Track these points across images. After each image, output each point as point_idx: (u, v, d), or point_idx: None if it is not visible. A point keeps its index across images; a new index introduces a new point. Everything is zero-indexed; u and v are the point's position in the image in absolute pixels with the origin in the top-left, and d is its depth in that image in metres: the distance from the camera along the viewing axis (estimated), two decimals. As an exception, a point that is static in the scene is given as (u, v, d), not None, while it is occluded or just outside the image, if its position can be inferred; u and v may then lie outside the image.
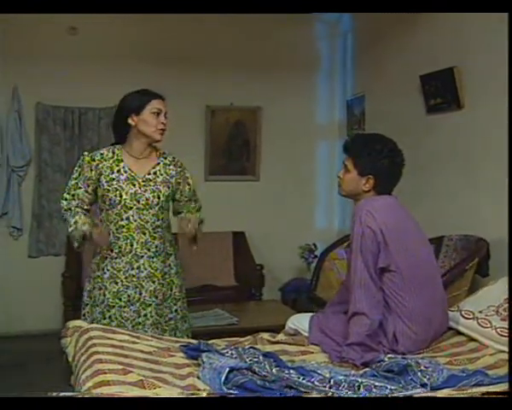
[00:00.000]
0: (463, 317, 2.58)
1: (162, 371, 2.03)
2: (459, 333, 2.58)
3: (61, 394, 1.56)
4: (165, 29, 5.05)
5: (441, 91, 4.02)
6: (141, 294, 2.78)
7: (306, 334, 2.62)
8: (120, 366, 1.94)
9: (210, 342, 2.50)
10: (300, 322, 2.71)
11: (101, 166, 2.75)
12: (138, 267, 2.78)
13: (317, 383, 1.95)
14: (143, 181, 2.78)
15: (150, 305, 2.79)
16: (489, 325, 2.47)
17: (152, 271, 2.80)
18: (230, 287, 5.05)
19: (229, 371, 1.99)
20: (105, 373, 1.88)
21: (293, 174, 5.47)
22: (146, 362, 2.09)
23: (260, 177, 5.50)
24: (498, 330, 2.42)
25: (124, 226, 2.75)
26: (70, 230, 2.77)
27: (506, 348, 2.35)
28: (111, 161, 2.77)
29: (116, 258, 2.77)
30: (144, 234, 2.78)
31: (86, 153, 2.84)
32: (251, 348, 2.36)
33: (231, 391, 1.90)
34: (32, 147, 4.89)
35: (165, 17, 4.62)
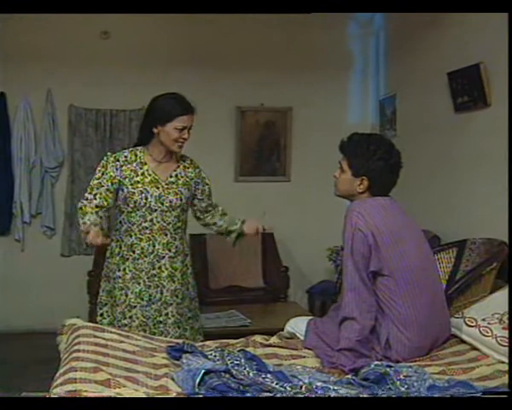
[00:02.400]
0: (466, 324, 2.46)
1: (138, 370, 2.04)
2: (463, 341, 2.46)
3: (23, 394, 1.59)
4: (194, 30, 5.10)
5: (468, 89, 3.87)
6: (162, 293, 2.82)
7: (303, 338, 2.57)
8: (94, 365, 1.97)
9: (200, 343, 2.49)
10: (298, 325, 2.68)
11: (125, 168, 2.79)
12: (160, 267, 2.82)
13: (288, 388, 1.91)
14: (166, 184, 2.82)
15: (171, 304, 2.84)
16: (490, 334, 2.34)
17: (172, 270, 2.85)
18: (258, 288, 5.03)
19: (206, 374, 1.98)
20: (75, 371, 1.90)
21: (324, 175, 5.35)
22: (125, 361, 2.10)
23: (291, 177, 5.45)
24: (499, 339, 2.30)
25: (147, 228, 2.80)
26: (81, 229, 2.77)
27: (506, 359, 2.23)
28: (134, 164, 2.81)
29: (138, 259, 2.81)
30: (166, 235, 2.82)
31: (110, 153, 2.89)
32: (241, 350, 2.33)
33: (203, 393, 1.89)
34: (64, 148, 5.04)
35: (194, 18, 4.66)
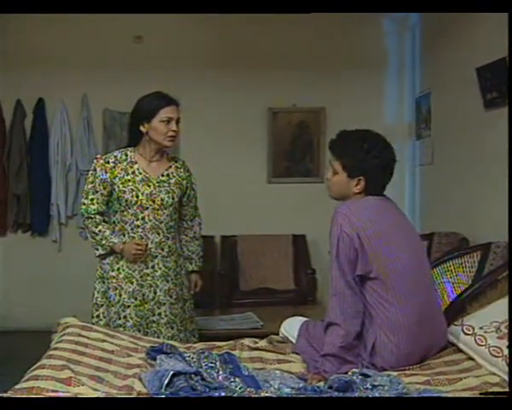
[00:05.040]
0: (463, 332, 2.33)
1: (108, 370, 2.06)
2: (460, 350, 2.33)
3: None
4: (226, 32, 5.13)
5: (496, 84, 3.68)
6: (155, 293, 2.84)
7: (295, 341, 2.52)
8: (63, 363, 1.99)
9: (188, 345, 2.49)
10: (291, 328, 2.62)
11: (115, 168, 2.82)
12: (153, 267, 2.84)
13: (248, 394, 1.87)
14: (158, 182, 2.84)
15: (164, 304, 2.85)
16: (484, 343, 2.21)
17: (166, 270, 2.86)
18: (289, 291, 4.99)
19: (175, 375, 1.97)
20: (43, 368, 1.94)
21: (358, 176, 5.26)
22: (99, 360, 2.13)
23: (325, 179, 5.35)
24: (491, 349, 2.16)
25: (139, 226, 2.82)
26: (97, 238, 2.82)
27: (497, 371, 2.10)
28: (125, 164, 2.84)
29: None
30: (158, 234, 2.83)
31: (99, 156, 2.93)
32: (226, 353, 2.31)
33: (167, 394, 1.88)
34: (99, 151, 5.15)
35: (226, 19, 4.67)
